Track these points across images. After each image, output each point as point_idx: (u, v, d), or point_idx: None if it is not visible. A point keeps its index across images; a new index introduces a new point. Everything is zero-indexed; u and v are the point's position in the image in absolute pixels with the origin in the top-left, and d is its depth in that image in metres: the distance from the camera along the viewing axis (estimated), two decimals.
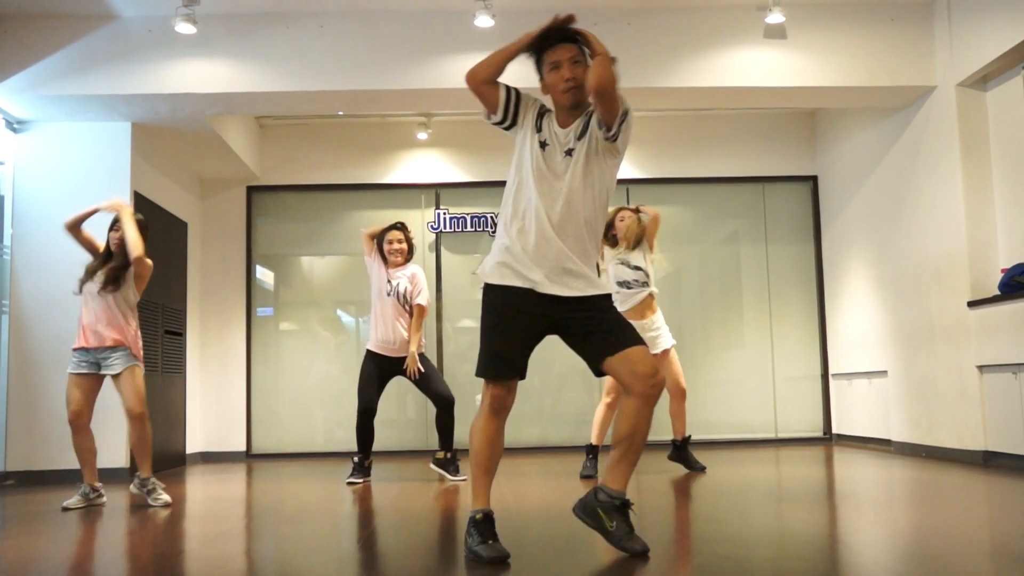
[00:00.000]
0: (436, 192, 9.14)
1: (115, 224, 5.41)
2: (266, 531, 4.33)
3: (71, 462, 6.80)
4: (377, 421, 9.53)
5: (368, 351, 6.35)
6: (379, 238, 6.51)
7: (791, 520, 4.24)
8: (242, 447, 8.80)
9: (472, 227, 9.04)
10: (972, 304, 6.36)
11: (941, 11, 6.72)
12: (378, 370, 6.25)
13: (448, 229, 9.05)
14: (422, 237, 9.09)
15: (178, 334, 8.16)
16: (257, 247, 9.10)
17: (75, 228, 5.48)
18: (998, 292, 6.10)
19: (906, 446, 7.29)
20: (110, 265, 5.35)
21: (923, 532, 3.82)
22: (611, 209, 6.08)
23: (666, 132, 8.92)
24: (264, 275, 9.18)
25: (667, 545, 3.61)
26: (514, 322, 3.33)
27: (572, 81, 3.42)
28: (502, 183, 10.03)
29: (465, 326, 9.23)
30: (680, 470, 6.23)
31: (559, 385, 9.16)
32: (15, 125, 7.09)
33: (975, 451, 6.31)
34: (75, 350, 5.36)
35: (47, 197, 7.07)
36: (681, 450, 6.23)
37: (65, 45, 6.63)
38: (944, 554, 3.28)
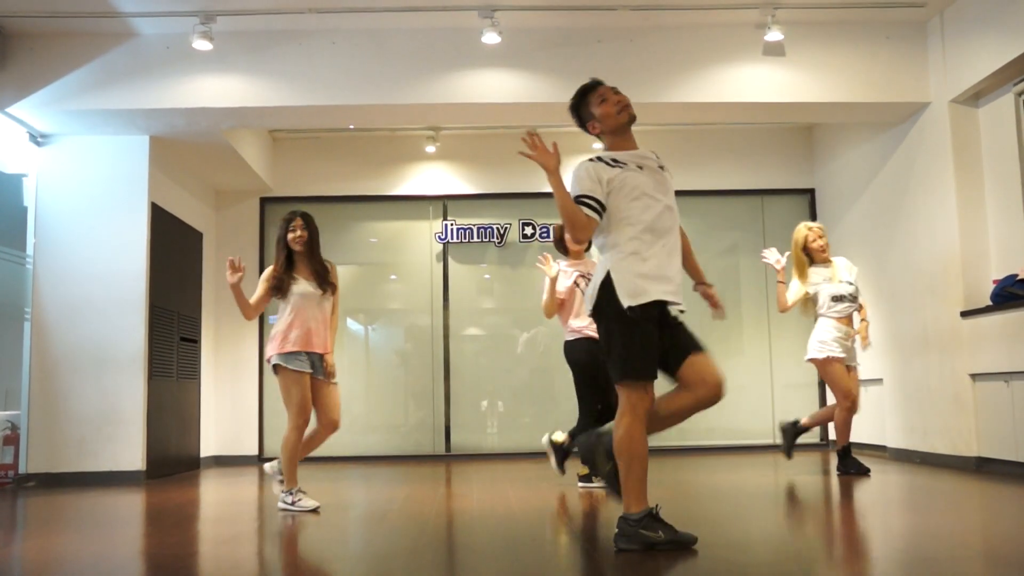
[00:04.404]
0: (444, 204, 9.17)
1: (291, 223, 5.08)
2: (277, 533, 4.34)
3: (90, 465, 6.88)
4: (381, 427, 9.64)
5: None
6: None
7: (789, 525, 4.23)
8: (254, 451, 8.81)
9: (479, 238, 9.06)
10: (965, 314, 6.36)
11: (935, 30, 6.74)
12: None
13: (455, 240, 9.07)
14: (429, 248, 9.12)
15: (193, 341, 8.18)
16: (270, 257, 9.03)
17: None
18: (990, 303, 6.10)
19: (901, 452, 7.28)
20: (314, 268, 5.08)
21: (918, 536, 3.82)
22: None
23: (668, 146, 8.87)
24: None
25: (666, 548, 3.60)
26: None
27: (620, 103, 3.66)
28: (507, 195, 10.05)
29: (471, 334, 9.24)
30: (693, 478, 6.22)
31: (562, 392, 9.15)
32: (38, 139, 7.14)
33: (968, 457, 6.30)
34: (297, 352, 4.95)
35: (69, 208, 7.12)
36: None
37: (86, 62, 6.68)
38: (938, 558, 3.27)
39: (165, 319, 7.49)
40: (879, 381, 7.73)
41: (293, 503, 4.89)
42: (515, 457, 8.59)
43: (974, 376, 6.28)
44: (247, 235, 9.04)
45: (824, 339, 6.02)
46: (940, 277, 6.69)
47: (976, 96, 6.53)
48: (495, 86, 6.80)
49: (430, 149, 8.97)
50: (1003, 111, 6.29)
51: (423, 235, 9.16)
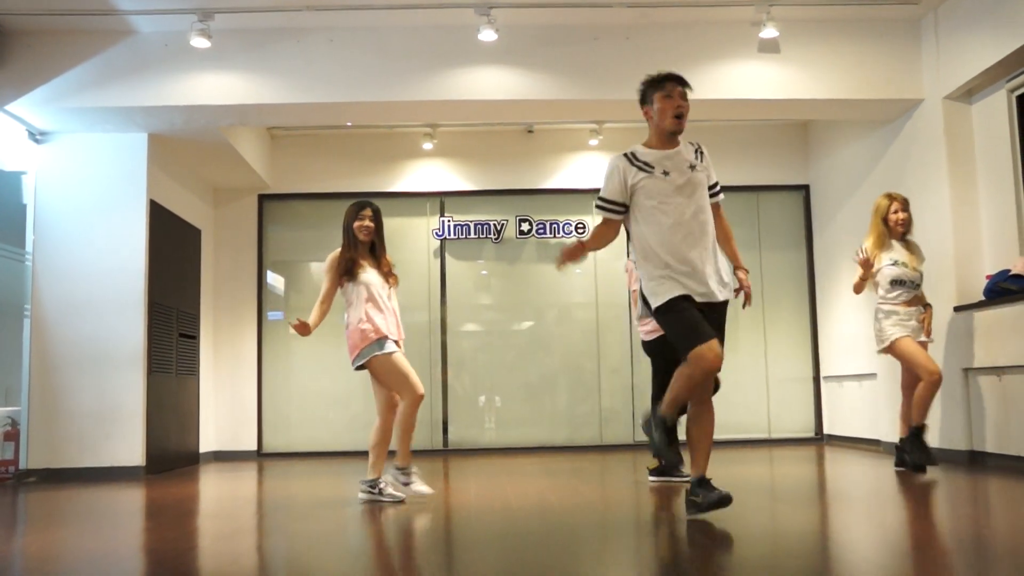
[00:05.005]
0: (441, 200, 9.16)
1: (362, 212, 5.00)
2: (276, 528, 4.34)
3: (90, 460, 6.88)
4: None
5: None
6: None
7: (784, 518, 4.24)
8: (253, 446, 8.81)
9: (476, 234, 9.06)
10: (958, 309, 6.36)
11: (928, 27, 6.74)
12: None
13: (452, 236, 9.07)
14: (427, 244, 9.12)
15: (192, 337, 8.18)
16: (268, 253, 9.13)
17: None
18: (983, 298, 6.11)
19: (894, 446, 7.28)
20: (376, 260, 5.02)
21: (912, 529, 3.83)
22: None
23: None
24: (275, 280, 9.20)
25: (663, 543, 3.61)
26: None
27: (678, 109, 3.94)
28: (504, 191, 10.04)
29: (468, 330, 9.24)
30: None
31: (559, 387, 9.17)
32: (37, 136, 7.12)
33: (961, 451, 6.31)
34: (385, 339, 4.84)
35: (68, 206, 7.11)
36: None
37: (85, 59, 6.66)
38: (931, 550, 3.28)
39: (164, 316, 7.48)
40: (873, 376, 7.74)
41: (407, 484, 4.88)
42: (512, 452, 8.60)
43: (966, 370, 6.29)
44: (245, 232, 9.03)
45: (881, 326, 5.74)
46: (933, 272, 6.68)
47: (969, 93, 6.53)
48: (492, 83, 6.79)
49: (427, 146, 8.96)
50: (996, 107, 6.29)
51: (420, 231, 9.15)
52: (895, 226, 5.78)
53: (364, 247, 5.03)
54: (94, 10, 6.36)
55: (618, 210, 3.88)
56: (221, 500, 5.70)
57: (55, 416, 6.90)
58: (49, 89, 6.63)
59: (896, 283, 5.73)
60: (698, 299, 3.76)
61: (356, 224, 5.00)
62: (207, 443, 8.54)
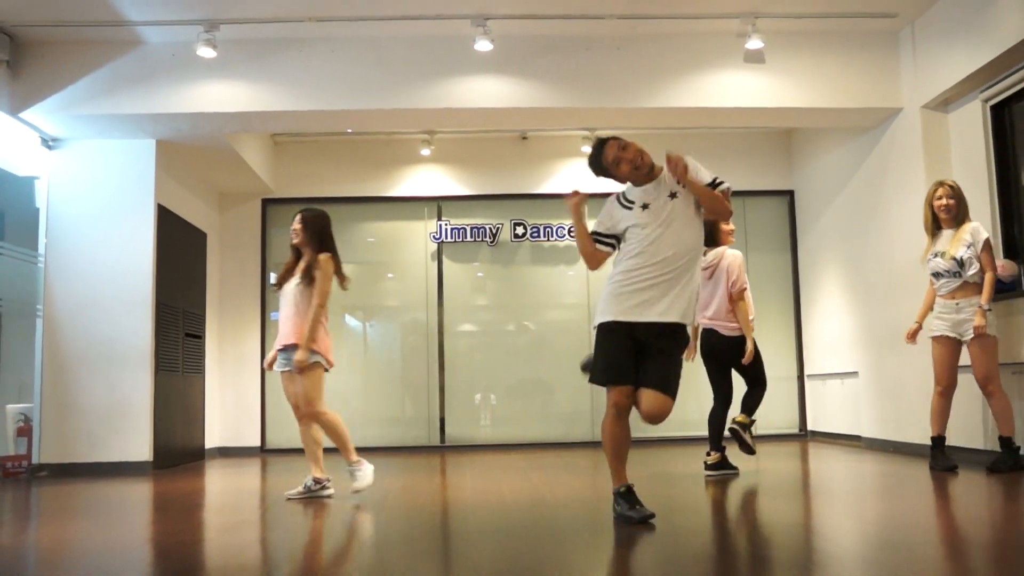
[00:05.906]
0: (438, 205, 9.18)
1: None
2: (279, 521, 4.36)
3: (100, 456, 6.90)
4: (379, 419, 9.44)
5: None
6: None
7: (769, 511, 4.27)
8: (257, 443, 8.83)
9: (472, 237, 9.09)
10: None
11: (906, 39, 6.78)
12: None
13: (449, 239, 9.09)
14: (425, 247, 9.14)
15: (197, 337, 8.18)
16: (271, 256, 9.13)
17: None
18: None
19: (875, 442, 7.33)
20: (307, 262, 5.06)
21: (890, 521, 3.86)
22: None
23: (652, 150, 8.93)
24: None
25: (650, 535, 3.64)
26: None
27: (632, 162, 3.92)
28: (499, 196, 10.02)
29: (464, 330, 9.26)
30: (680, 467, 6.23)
31: (553, 385, 9.19)
32: (49, 143, 7.13)
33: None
34: (280, 350, 5.05)
35: (79, 210, 7.12)
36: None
37: (95, 69, 6.68)
38: (909, 541, 3.31)
39: (171, 316, 7.50)
40: (855, 374, 7.78)
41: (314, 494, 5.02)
42: (507, 448, 8.62)
43: None
44: (249, 235, 9.05)
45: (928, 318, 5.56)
46: (912, 274, 6.73)
47: (945, 102, 6.57)
48: (487, 91, 6.82)
49: (425, 152, 8.98)
50: (971, 117, 6.33)
51: (418, 235, 9.17)
52: (939, 212, 5.56)
53: (299, 252, 5.17)
54: (104, 21, 6.37)
55: (602, 241, 3.92)
56: (226, 494, 5.72)
57: (66, 412, 6.91)
58: (61, 97, 6.65)
59: (936, 275, 5.54)
60: (632, 318, 3.70)
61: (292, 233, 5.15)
62: (212, 439, 8.55)
